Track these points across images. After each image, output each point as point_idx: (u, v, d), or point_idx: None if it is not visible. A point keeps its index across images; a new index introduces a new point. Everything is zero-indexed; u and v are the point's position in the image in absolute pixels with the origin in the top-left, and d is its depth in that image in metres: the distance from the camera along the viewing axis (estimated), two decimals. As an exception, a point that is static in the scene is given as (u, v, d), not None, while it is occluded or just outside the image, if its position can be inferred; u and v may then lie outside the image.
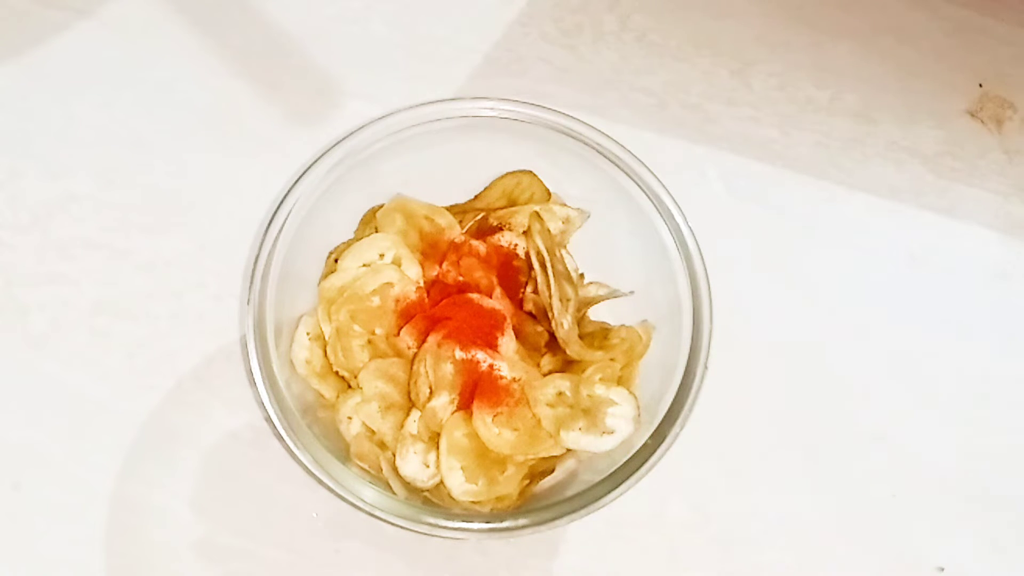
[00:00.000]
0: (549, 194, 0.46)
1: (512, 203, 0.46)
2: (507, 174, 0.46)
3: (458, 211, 0.46)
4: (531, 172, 0.46)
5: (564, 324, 0.42)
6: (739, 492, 0.46)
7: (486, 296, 0.44)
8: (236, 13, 0.52)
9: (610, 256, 0.45)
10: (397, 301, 0.43)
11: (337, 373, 0.43)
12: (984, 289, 0.50)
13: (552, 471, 0.43)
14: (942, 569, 0.45)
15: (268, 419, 0.40)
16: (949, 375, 0.48)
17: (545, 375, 0.43)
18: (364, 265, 0.44)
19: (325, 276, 0.45)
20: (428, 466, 0.41)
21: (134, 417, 0.45)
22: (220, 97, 0.50)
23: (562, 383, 0.42)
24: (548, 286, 0.42)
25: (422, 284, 0.44)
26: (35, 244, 0.47)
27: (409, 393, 0.42)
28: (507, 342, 0.43)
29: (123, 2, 0.51)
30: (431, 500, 0.42)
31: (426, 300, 0.44)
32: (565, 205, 0.46)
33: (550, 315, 0.42)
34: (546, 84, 0.51)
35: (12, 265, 0.47)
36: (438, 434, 0.41)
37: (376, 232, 0.45)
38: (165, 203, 0.48)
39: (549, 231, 0.44)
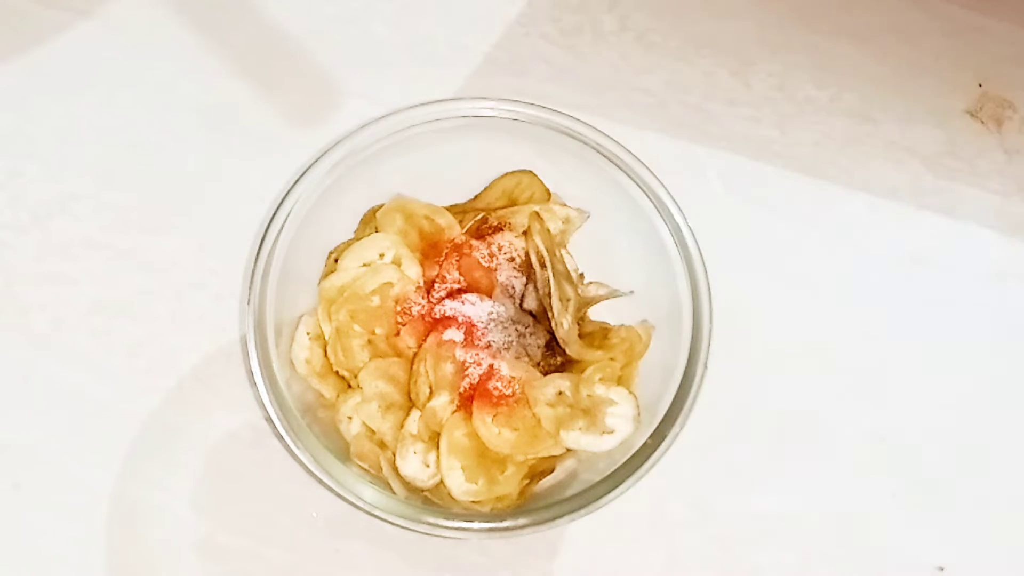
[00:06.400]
0: (549, 194, 0.46)
1: (512, 203, 0.46)
2: (507, 174, 0.46)
3: (458, 211, 0.46)
4: (531, 172, 0.46)
5: (564, 324, 0.42)
6: (739, 492, 0.46)
7: (486, 296, 0.44)
8: (236, 13, 0.52)
9: (610, 256, 0.45)
10: (397, 301, 0.43)
11: (337, 373, 0.43)
12: (984, 289, 0.50)
13: (552, 471, 0.43)
14: (942, 569, 0.45)
15: (268, 419, 0.40)
16: (949, 375, 0.48)
17: (545, 375, 0.43)
18: (364, 265, 0.44)
19: (325, 276, 0.45)
20: (428, 466, 0.42)
21: (134, 417, 0.45)
22: (220, 97, 0.50)
23: (562, 383, 0.42)
24: (548, 286, 0.42)
25: (422, 284, 0.44)
26: (35, 244, 0.47)
27: (409, 393, 0.42)
28: (507, 342, 0.43)
29: (123, 2, 0.51)
30: (431, 500, 0.42)
31: (426, 300, 0.44)
32: (565, 205, 0.46)
33: (550, 315, 0.42)
34: (546, 84, 0.51)
35: (12, 265, 0.47)
36: (438, 434, 0.41)
37: (376, 232, 0.45)
38: (165, 203, 0.48)
39: (549, 231, 0.44)
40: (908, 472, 0.47)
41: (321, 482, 0.39)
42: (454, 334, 0.42)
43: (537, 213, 0.44)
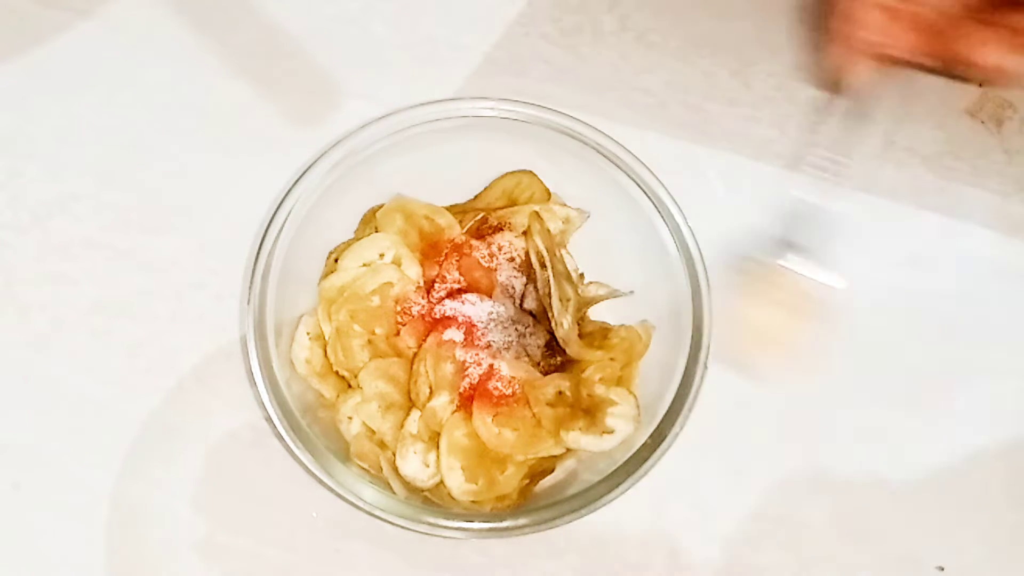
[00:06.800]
0: (549, 194, 0.46)
1: (512, 203, 0.46)
2: (507, 174, 0.46)
3: (458, 211, 0.46)
4: (531, 172, 0.46)
5: (564, 324, 0.42)
6: (739, 492, 0.46)
7: (486, 296, 0.44)
8: (236, 13, 0.52)
9: (610, 256, 0.45)
10: (397, 301, 0.43)
11: (337, 373, 0.43)
12: (984, 289, 0.50)
13: (552, 471, 0.43)
14: (942, 569, 0.45)
15: (268, 419, 0.40)
16: (949, 375, 0.48)
17: (545, 375, 0.43)
18: (364, 265, 0.44)
19: (325, 276, 0.45)
20: (428, 466, 0.42)
21: (134, 417, 0.45)
22: (220, 97, 0.50)
23: (562, 383, 0.42)
24: (548, 286, 0.42)
25: (422, 284, 0.44)
26: (35, 244, 0.47)
27: (409, 393, 0.42)
28: (507, 342, 0.43)
29: (123, 2, 0.51)
30: (431, 500, 0.42)
31: (426, 300, 0.44)
32: (565, 205, 0.46)
33: (550, 315, 0.42)
34: (546, 84, 0.51)
35: (12, 265, 0.47)
36: (438, 434, 0.41)
37: (376, 232, 0.45)
38: (165, 203, 0.48)
39: (549, 231, 0.44)
40: (908, 472, 0.47)
41: (321, 482, 0.39)
42: (454, 334, 0.42)
43: (537, 213, 0.44)
